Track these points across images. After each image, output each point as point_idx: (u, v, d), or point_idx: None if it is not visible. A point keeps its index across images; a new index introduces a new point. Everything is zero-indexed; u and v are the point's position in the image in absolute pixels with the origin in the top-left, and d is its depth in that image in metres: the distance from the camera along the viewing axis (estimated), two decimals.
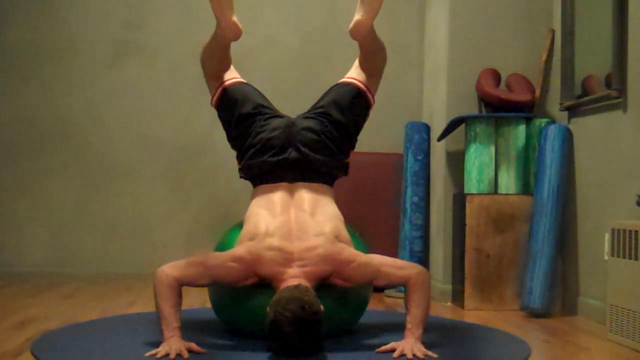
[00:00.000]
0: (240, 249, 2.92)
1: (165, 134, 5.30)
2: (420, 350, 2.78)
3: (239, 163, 3.23)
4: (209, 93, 3.30)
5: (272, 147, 3.10)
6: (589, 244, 3.91)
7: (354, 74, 3.27)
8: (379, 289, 4.16)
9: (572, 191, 4.09)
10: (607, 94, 3.65)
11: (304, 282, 2.81)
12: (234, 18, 3.00)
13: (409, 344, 2.80)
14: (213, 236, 3.94)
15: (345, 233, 3.04)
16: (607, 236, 3.50)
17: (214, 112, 3.33)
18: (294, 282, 2.80)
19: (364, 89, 3.23)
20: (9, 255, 5.24)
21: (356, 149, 3.33)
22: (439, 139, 4.53)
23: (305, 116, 3.21)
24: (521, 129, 4.26)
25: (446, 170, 4.52)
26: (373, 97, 3.27)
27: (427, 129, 4.83)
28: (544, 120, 4.27)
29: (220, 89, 3.24)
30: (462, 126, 4.46)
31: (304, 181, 3.10)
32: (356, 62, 3.29)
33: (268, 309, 2.66)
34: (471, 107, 4.46)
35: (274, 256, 2.87)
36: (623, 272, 3.21)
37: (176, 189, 5.29)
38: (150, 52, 5.32)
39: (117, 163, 5.29)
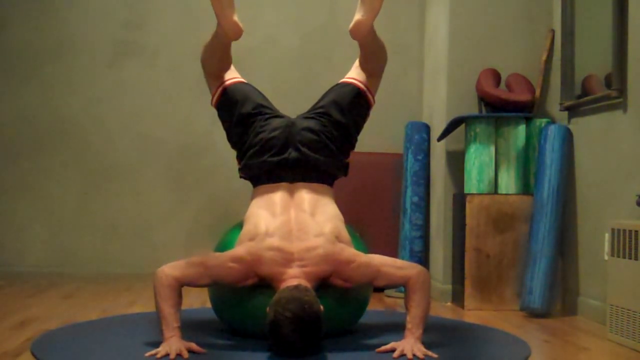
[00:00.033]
0: (240, 249, 2.92)
1: (165, 134, 5.30)
2: (420, 350, 2.78)
3: (239, 163, 3.23)
4: (209, 93, 3.30)
5: (272, 147, 3.10)
6: (589, 244, 3.91)
7: (354, 74, 3.27)
8: (379, 289, 4.15)
9: (572, 191, 4.09)
10: (607, 94, 3.65)
11: (304, 282, 2.81)
12: (235, 17, 3.00)
13: (409, 344, 2.80)
14: (213, 236, 3.94)
15: (345, 233, 3.04)
16: (607, 236, 3.50)
17: (214, 112, 3.33)
18: (294, 282, 2.80)
19: (364, 89, 3.23)
20: (9, 255, 5.24)
21: (356, 149, 3.33)
22: (439, 139, 4.53)
23: (305, 116, 3.21)
24: (521, 129, 4.26)
25: (446, 170, 4.52)
26: (373, 97, 3.27)
27: (427, 129, 4.83)
28: (544, 120, 4.27)
29: (220, 88, 3.24)
30: (462, 126, 4.46)
31: (304, 181, 3.10)
32: (356, 62, 3.29)
33: (268, 309, 2.66)
34: (471, 107, 4.46)
35: (274, 256, 2.87)
36: (623, 272, 3.21)
37: (176, 189, 5.29)
38: (150, 52, 5.32)
39: (117, 163, 5.29)
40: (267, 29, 5.29)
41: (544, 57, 4.38)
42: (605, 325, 3.45)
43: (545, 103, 4.42)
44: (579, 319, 3.90)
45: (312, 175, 3.12)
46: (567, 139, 4.08)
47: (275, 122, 3.16)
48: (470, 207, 4.13)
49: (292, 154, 3.09)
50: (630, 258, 3.15)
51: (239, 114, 3.19)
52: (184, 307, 2.90)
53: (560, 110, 4.20)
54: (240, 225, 3.16)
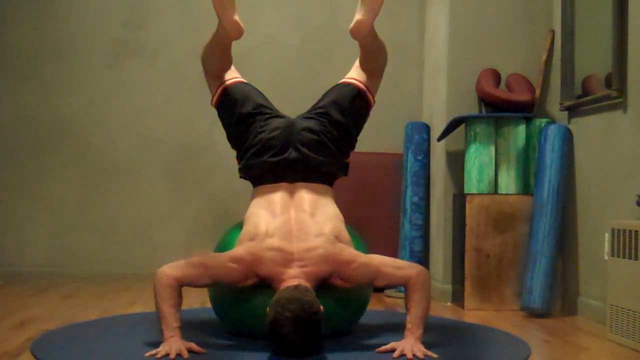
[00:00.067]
0: (240, 250, 2.92)
1: (165, 134, 5.30)
2: (420, 350, 2.78)
3: (239, 163, 3.23)
4: (209, 93, 3.30)
5: (272, 148, 3.10)
6: (589, 244, 3.91)
7: (355, 74, 3.27)
8: (379, 289, 4.15)
9: (572, 191, 4.09)
10: (607, 94, 3.65)
11: (304, 283, 2.81)
12: (236, 17, 3.00)
13: (409, 344, 2.80)
14: (213, 236, 3.93)
15: (345, 233, 3.04)
16: (607, 236, 3.50)
17: (214, 112, 3.33)
18: (294, 282, 2.80)
19: (364, 89, 3.23)
20: (9, 255, 5.24)
21: (356, 149, 3.33)
22: (439, 139, 4.53)
23: (306, 116, 3.21)
24: (521, 129, 4.26)
25: (446, 170, 4.52)
26: (373, 97, 3.27)
27: (427, 129, 4.83)
28: (544, 120, 4.27)
29: (220, 88, 3.24)
30: (462, 126, 4.46)
31: (304, 181, 3.10)
32: (356, 62, 3.29)
33: (268, 309, 2.66)
34: (471, 107, 4.46)
35: (274, 256, 2.87)
36: (623, 272, 3.21)
37: (176, 189, 5.29)
38: (150, 52, 5.32)
39: (117, 163, 5.29)
40: (267, 29, 5.29)
41: (544, 57, 4.38)
42: (605, 325, 3.45)
43: (545, 103, 4.42)
44: (579, 319, 3.90)
45: (312, 176, 3.12)
46: (567, 139, 4.08)
47: (276, 122, 3.16)
48: (470, 207, 4.13)
49: (292, 154, 3.09)
50: (630, 258, 3.15)
51: (239, 113, 3.19)
52: (184, 307, 2.90)
53: (560, 110, 4.20)
54: (240, 226, 3.16)
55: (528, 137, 4.28)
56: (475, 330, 3.46)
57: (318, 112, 3.20)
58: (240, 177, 3.25)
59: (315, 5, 5.33)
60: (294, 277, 2.84)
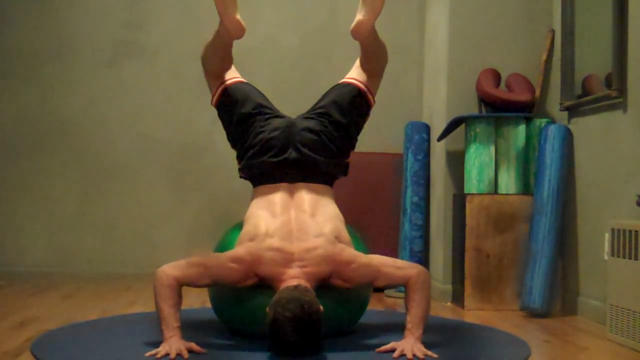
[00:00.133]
0: (240, 250, 2.92)
1: (165, 134, 5.30)
2: (420, 350, 2.78)
3: (239, 163, 3.23)
4: (209, 93, 3.30)
5: (272, 148, 3.10)
6: (589, 244, 3.91)
7: (355, 75, 3.27)
8: (379, 289, 4.15)
9: (572, 191, 4.09)
10: (607, 94, 3.65)
11: (303, 283, 2.81)
12: (238, 16, 3.01)
13: (409, 344, 2.80)
14: (213, 236, 3.93)
15: (345, 233, 3.04)
16: (607, 236, 3.50)
17: (214, 112, 3.33)
18: (293, 282, 2.80)
19: (364, 89, 3.23)
20: (9, 255, 5.24)
21: (356, 149, 3.33)
22: (439, 139, 4.53)
23: (306, 116, 3.21)
24: (521, 129, 4.26)
25: (446, 170, 4.52)
26: (373, 97, 3.27)
27: (427, 129, 4.83)
28: (544, 120, 4.27)
29: (220, 88, 3.24)
30: (462, 126, 4.46)
31: (304, 182, 3.10)
32: (357, 62, 3.29)
33: (268, 309, 2.66)
34: (471, 107, 4.46)
35: (274, 257, 2.87)
36: (623, 272, 3.21)
37: (176, 189, 5.29)
38: (150, 52, 5.31)
39: (117, 163, 5.29)
40: (267, 29, 5.29)
41: (544, 57, 4.38)
42: (605, 325, 3.45)
43: (545, 103, 4.42)
44: (579, 319, 3.90)
45: (312, 176, 3.12)
46: (567, 139, 4.08)
47: (276, 122, 3.16)
48: (470, 207, 4.13)
49: (292, 154, 3.09)
50: (630, 258, 3.15)
51: (239, 113, 3.19)
52: (184, 307, 2.90)
53: (560, 110, 4.20)
54: (240, 226, 3.16)
55: (528, 137, 4.28)
56: (475, 330, 3.46)
57: (318, 112, 3.20)
58: (240, 177, 3.25)
59: (315, 5, 5.33)
60: (294, 277, 2.84)
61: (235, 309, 3.04)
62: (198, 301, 4.06)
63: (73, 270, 5.21)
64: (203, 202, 5.28)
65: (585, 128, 3.99)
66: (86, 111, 5.29)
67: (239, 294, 2.98)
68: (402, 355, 2.76)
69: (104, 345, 2.95)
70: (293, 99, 4.77)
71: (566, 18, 4.16)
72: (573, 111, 4.13)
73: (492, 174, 4.25)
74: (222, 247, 3.14)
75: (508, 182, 4.24)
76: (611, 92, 3.61)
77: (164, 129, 5.30)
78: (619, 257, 3.24)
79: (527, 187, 4.27)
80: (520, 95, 4.29)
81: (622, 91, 3.56)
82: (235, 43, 3.16)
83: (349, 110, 3.20)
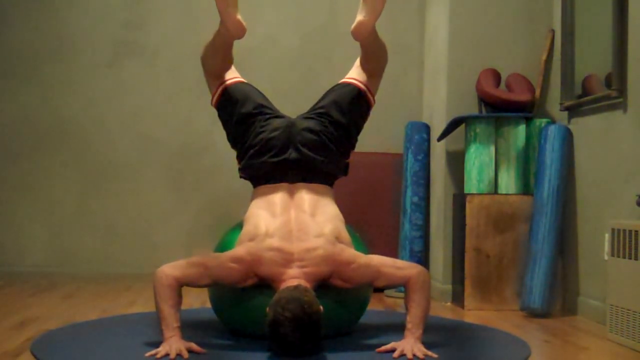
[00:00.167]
0: (240, 250, 2.92)
1: (165, 134, 5.30)
2: (420, 350, 2.78)
3: (239, 163, 3.23)
4: (209, 93, 3.30)
5: (273, 148, 3.10)
6: (589, 244, 3.91)
7: (355, 74, 3.27)
8: (379, 289, 4.15)
9: (572, 191, 4.09)
10: (607, 94, 3.65)
11: (303, 283, 2.81)
12: (238, 16, 3.00)
13: (409, 344, 2.80)
14: (213, 236, 3.93)
15: (345, 234, 3.04)
16: (607, 236, 3.50)
17: (214, 112, 3.33)
18: (293, 282, 2.80)
19: (365, 89, 3.23)
20: (9, 255, 5.24)
21: (356, 149, 3.33)
22: (439, 139, 4.53)
23: (306, 116, 3.21)
24: (521, 129, 4.26)
25: (446, 170, 4.52)
26: (373, 97, 3.27)
27: (427, 129, 4.83)
28: (544, 120, 4.27)
29: (220, 88, 3.24)
30: (462, 126, 4.46)
31: (304, 182, 3.10)
32: (357, 62, 3.29)
33: (268, 309, 2.66)
34: (471, 107, 4.46)
35: (274, 257, 2.87)
36: (623, 272, 3.21)
37: (176, 189, 5.29)
38: (150, 52, 5.31)
39: (117, 163, 5.29)
40: (267, 29, 5.29)
41: (544, 57, 4.38)
42: (605, 325, 3.45)
43: (545, 103, 4.42)
44: (579, 319, 3.90)
45: (312, 176, 3.12)
46: (567, 139, 4.08)
47: (276, 123, 3.16)
48: (470, 207, 4.13)
49: (292, 154, 3.09)
50: (630, 258, 3.15)
51: (239, 113, 3.19)
52: (184, 307, 2.90)
53: (560, 110, 4.20)
54: (240, 226, 3.16)
55: (528, 137, 4.28)
56: (475, 330, 3.46)
57: (318, 112, 3.20)
58: (240, 177, 3.25)
59: (315, 5, 5.33)
60: (294, 278, 2.84)
61: (235, 309, 3.04)
62: (198, 301, 4.06)
63: (73, 270, 5.21)
64: (203, 202, 5.28)
65: (585, 128, 3.99)
66: (86, 111, 5.29)
67: (239, 294, 2.98)
68: (402, 355, 2.76)
69: (104, 345, 2.95)
70: (293, 99, 4.77)
71: (566, 18, 4.16)
72: (573, 111, 4.13)
73: (492, 174, 4.25)
74: (222, 247, 3.14)
75: (508, 182, 4.24)
76: (611, 92, 3.61)
77: (164, 129, 5.30)
78: (619, 257, 3.24)
79: (527, 187, 4.27)
80: (520, 95, 4.29)
81: (622, 91, 3.56)
82: (235, 43, 3.16)
83: (349, 110, 3.20)
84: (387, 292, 4.59)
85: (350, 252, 2.94)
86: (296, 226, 2.95)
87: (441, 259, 4.52)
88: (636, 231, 3.11)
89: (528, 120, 4.28)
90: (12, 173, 5.26)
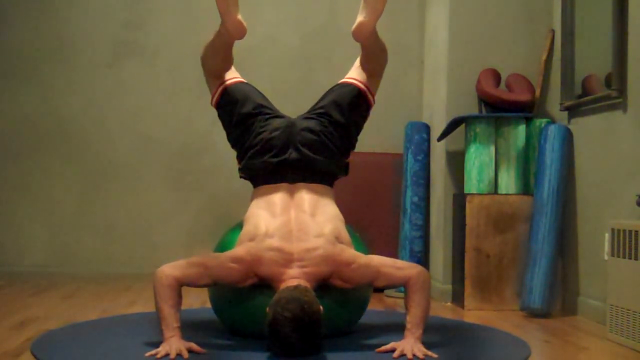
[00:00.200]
0: (240, 250, 2.92)
1: (165, 134, 5.30)
2: (420, 350, 2.78)
3: (239, 163, 3.23)
4: (209, 93, 3.30)
5: (273, 148, 3.10)
6: (589, 244, 3.91)
7: (355, 74, 3.27)
8: (379, 289, 4.15)
9: (572, 191, 4.09)
10: (607, 94, 3.65)
11: (303, 283, 2.81)
12: (239, 16, 3.00)
13: (409, 344, 2.80)
14: (213, 236, 3.93)
15: (345, 234, 3.04)
16: (607, 236, 3.50)
17: (214, 112, 3.33)
18: (293, 282, 2.80)
19: (364, 89, 3.23)
20: (9, 255, 5.24)
21: (356, 149, 3.33)
22: (439, 139, 4.53)
23: (306, 117, 3.21)
24: (521, 129, 4.26)
25: (446, 170, 4.52)
26: (373, 97, 3.27)
27: (427, 129, 4.83)
28: (544, 120, 4.27)
29: (220, 88, 3.24)
30: (462, 126, 4.46)
31: (304, 182, 3.10)
32: (357, 62, 3.29)
33: (268, 309, 2.66)
34: (471, 107, 4.46)
35: (274, 257, 2.87)
36: (623, 272, 3.21)
37: (176, 189, 5.29)
38: (150, 52, 5.31)
39: (117, 163, 5.29)
40: (267, 28, 5.29)
41: (544, 57, 4.38)
42: (605, 325, 3.45)
43: (545, 103, 4.42)
44: (579, 319, 3.90)
45: (312, 176, 3.12)
46: (567, 139, 4.08)
47: (276, 123, 3.16)
48: (470, 207, 4.13)
49: (292, 154, 3.09)
50: (630, 258, 3.15)
51: (239, 113, 3.19)
52: (184, 307, 2.90)
53: (560, 110, 4.20)
54: (240, 226, 3.15)
55: (528, 137, 4.28)
56: (475, 330, 3.46)
57: (318, 112, 3.20)
58: (240, 177, 3.25)
59: (315, 5, 5.32)
60: (293, 278, 2.84)
61: (235, 309, 3.04)
62: (198, 301, 4.06)
63: (73, 270, 5.20)
64: (203, 202, 5.28)
65: (585, 128, 3.99)
66: (86, 111, 5.29)
67: (239, 294, 2.98)
68: (402, 355, 2.76)
69: (104, 345, 2.95)
70: (293, 99, 4.77)
71: (566, 18, 4.16)
72: (573, 111, 4.13)
73: (492, 174, 4.25)
74: (222, 247, 3.14)
75: (508, 182, 4.24)
76: (611, 92, 3.61)
77: (164, 129, 5.30)
78: (619, 257, 3.24)
79: (527, 187, 4.27)
80: (520, 95, 4.29)
81: (622, 91, 3.56)
82: (235, 43, 3.16)
83: (349, 110, 3.20)
84: (387, 292, 4.59)
85: (350, 252, 2.94)
86: (296, 226, 2.95)
87: (441, 259, 4.52)
88: (636, 231, 3.11)
89: (528, 120, 4.28)
90: (12, 173, 5.26)
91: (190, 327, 3.13)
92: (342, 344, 2.97)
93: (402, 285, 2.92)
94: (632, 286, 3.15)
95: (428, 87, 5.03)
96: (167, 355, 2.68)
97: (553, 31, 4.40)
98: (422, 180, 4.76)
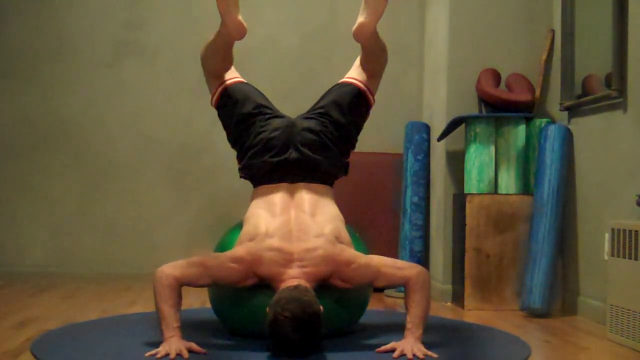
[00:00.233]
0: (240, 250, 2.92)
1: (165, 134, 5.30)
2: (420, 350, 2.78)
3: (239, 163, 3.23)
4: (209, 93, 3.30)
5: (273, 148, 3.10)
6: (589, 244, 3.91)
7: (354, 74, 3.27)
8: (379, 289, 4.15)
9: (572, 191, 4.09)
10: (607, 94, 3.65)
11: (303, 283, 2.81)
12: (240, 17, 3.00)
13: (409, 344, 2.80)
14: (213, 236, 3.93)
15: (345, 234, 3.04)
16: (607, 236, 3.50)
17: (214, 112, 3.33)
18: (293, 282, 2.80)
19: (364, 89, 3.23)
20: (9, 255, 5.24)
21: (356, 149, 3.33)
22: (439, 139, 4.53)
23: (306, 116, 3.21)
24: (521, 129, 4.26)
25: (446, 170, 4.52)
26: (373, 97, 3.27)
27: (427, 129, 4.83)
28: (544, 120, 4.27)
29: (220, 88, 3.24)
30: (462, 126, 4.46)
31: (305, 182, 3.10)
32: (356, 62, 3.29)
33: (268, 309, 2.66)
34: (471, 107, 4.46)
35: (274, 257, 2.87)
36: (623, 272, 3.21)
37: (176, 189, 5.29)
38: (150, 52, 5.31)
39: (117, 163, 5.29)
40: (267, 29, 5.29)
41: (544, 57, 4.38)
42: (605, 325, 3.45)
43: (545, 103, 4.42)
44: (579, 319, 3.90)
45: (312, 176, 3.12)
46: (567, 139, 4.08)
47: (276, 123, 3.16)
48: (470, 207, 4.13)
49: (292, 154, 3.09)
50: (630, 258, 3.15)
51: (239, 113, 3.19)
52: (184, 307, 2.90)
53: (560, 110, 4.20)
54: (240, 226, 3.15)
55: (528, 137, 4.28)
56: (475, 330, 3.46)
57: (318, 112, 3.20)
58: (241, 177, 3.25)
59: (315, 5, 5.33)
60: (293, 278, 2.84)
61: (235, 309, 3.03)
62: (198, 301, 4.06)
63: (73, 270, 5.20)
64: (203, 202, 5.28)
65: (585, 128, 3.99)
66: (86, 111, 5.29)
67: (239, 294, 2.98)
68: (402, 355, 2.76)
69: (104, 345, 2.95)
70: (293, 99, 4.78)
71: (566, 18, 4.16)
72: (573, 111, 4.13)
73: (492, 174, 4.25)
74: (222, 247, 3.14)
75: (508, 182, 4.24)
76: (611, 92, 3.61)
77: (164, 129, 5.30)
78: (619, 257, 3.24)
79: (527, 187, 4.27)
80: (520, 95, 4.29)
81: (622, 91, 3.56)
82: (236, 43, 3.15)
83: (349, 110, 3.20)
84: (387, 292, 4.59)
85: (350, 252, 2.94)
86: (296, 226, 2.95)
87: (441, 259, 4.52)
88: (636, 231, 3.11)
89: (528, 120, 4.28)
90: (12, 173, 5.26)
91: (190, 327, 3.13)
92: (342, 344, 2.97)
93: (402, 285, 2.92)
94: (632, 286, 3.15)
95: (428, 87, 5.03)
96: (167, 355, 2.68)
97: (553, 31, 4.40)
98: (422, 180, 4.76)
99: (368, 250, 3.15)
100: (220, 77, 3.25)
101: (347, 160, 3.25)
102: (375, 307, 4.03)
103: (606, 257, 3.52)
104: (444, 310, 4.14)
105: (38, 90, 5.27)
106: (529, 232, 4.08)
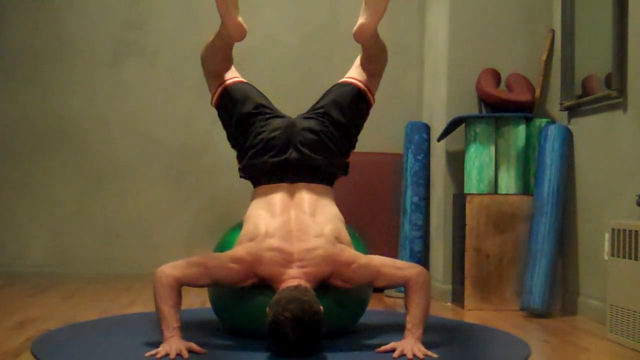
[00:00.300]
0: (240, 250, 2.92)
1: (165, 134, 5.30)
2: (420, 350, 2.78)
3: (239, 163, 3.23)
4: (209, 93, 3.29)
5: (273, 148, 3.10)
6: (589, 244, 3.91)
7: (354, 74, 3.27)
8: (379, 289, 4.16)
9: (572, 191, 4.09)
10: (607, 94, 3.65)
11: (303, 283, 2.81)
12: (239, 18, 3.00)
13: (409, 344, 2.80)
14: (213, 236, 3.93)
15: (345, 234, 3.04)
16: (607, 236, 3.50)
17: (214, 112, 3.33)
18: (293, 282, 2.80)
19: (364, 89, 3.23)
20: (9, 255, 5.24)
21: (356, 149, 3.33)
22: (439, 139, 4.53)
23: (306, 116, 3.21)
24: (521, 129, 4.26)
25: (446, 170, 4.52)
26: (373, 97, 3.27)
27: (427, 129, 4.83)
28: (544, 120, 4.27)
29: (220, 88, 3.24)
30: (462, 126, 4.46)
31: (305, 182, 3.10)
32: (356, 62, 3.29)
33: (268, 309, 2.66)
34: (471, 107, 4.46)
35: (274, 257, 2.87)
36: (623, 272, 3.21)
37: (176, 189, 5.29)
38: (150, 52, 5.31)
39: (117, 163, 5.29)
40: (267, 29, 5.29)
41: (544, 57, 4.38)
42: (605, 325, 3.45)
43: (545, 103, 4.42)
44: (579, 319, 3.90)
45: (312, 176, 3.12)
46: (567, 139, 4.08)
47: (276, 123, 3.16)
48: (470, 207, 4.13)
49: (292, 154, 3.09)
50: (630, 258, 3.15)
51: (239, 113, 3.19)
52: (184, 307, 2.90)
53: (560, 110, 4.20)
54: (240, 226, 3.15)
55: (528, 137, 4.28)
56: (475, 330, 3.46)
57: (318, 112, 3.20)
58: (241, 177, 3.25)
59: (315, 5, 5.32)
60: (293, 278, 2.84)
61: (235, 309, 3.03)
62: (198, 301, 4.06)
63: (73, 270, 5.20)
64: (203, 202, 5.28)
65: (585, 128, 3.99)
66: (86, 111, 5.29)
67: (239, 294, 2.98)
68: (402, 355, 2.76)
69: (104, 345, 2.95)
70: (293, 99, 4.77)
71: (566, 18, 4.16)
72: (573, 111, 4.13)
73: (492, 174, 4.25)
74: (222, 247, 3.14)
75: (508, 182, 4.24)
76: (611, 92, 3.61)
77: (164, 129, 5.30)
78: (619, 257, 3.24)
79: (527, 187, 4.27)
80: (520, 95, 4.29)
81: (622, 91, 3.56)
82: (236, 43, 3.15)
83: (349, 110, 3.20)
84: (387, 292, 4.59)
85: (350, 253, 2.94)
86: (296, 226, 2.95)
87: (441, 259, 4.52)
88: (636, 231, 3.11)
89: (528, 120, 4.28)
90: (12, 173, 5.26)
91: (190, 327, 3.13)
92: (342, 344, 2.97)
93: (402, 285, 2.92)
94: (632, 286, 3.15)
95: (428, 87, 5.03)
96: (167, 355, 2.68)
97: (553, 31, 4.40)
98: (422, 180, 4.76)
99: (368, 250, 3.15)
100: (220, 77, 3.25)
101: (347, 160, 3.25)
102: (375, 307, 4.03)
103: (606, 257, 3.52)
104: (444, 310, 4.14)
105: (38, 90, 5.27)
106: (529, 232, 4.08)
